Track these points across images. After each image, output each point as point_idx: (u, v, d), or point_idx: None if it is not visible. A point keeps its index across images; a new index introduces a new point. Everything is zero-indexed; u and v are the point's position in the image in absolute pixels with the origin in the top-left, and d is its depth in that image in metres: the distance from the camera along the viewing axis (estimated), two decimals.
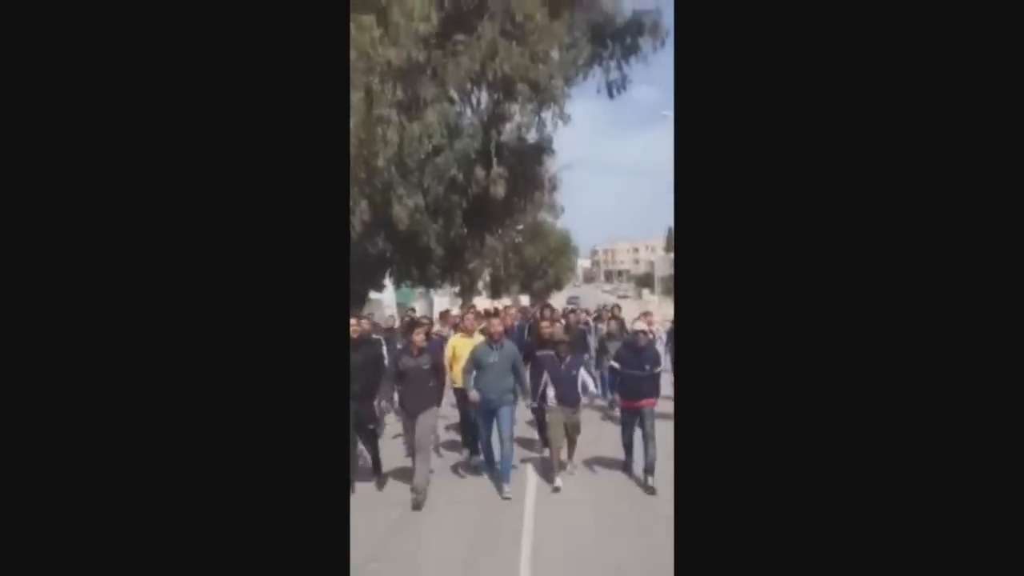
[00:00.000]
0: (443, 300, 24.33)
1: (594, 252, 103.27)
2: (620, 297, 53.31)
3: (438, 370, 5.28)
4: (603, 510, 4.83)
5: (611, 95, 12.85)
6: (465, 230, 10.46)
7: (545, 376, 5.46)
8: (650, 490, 5.15)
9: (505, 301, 26.27)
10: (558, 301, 34.25)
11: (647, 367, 5.43)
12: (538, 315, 8.44)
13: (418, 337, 5.21)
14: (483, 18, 9.21)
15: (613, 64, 12.60)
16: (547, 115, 10.89)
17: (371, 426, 5.37)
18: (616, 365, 5.52)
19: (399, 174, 7.90)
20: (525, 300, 30.90)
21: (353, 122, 7.40)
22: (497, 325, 5.50)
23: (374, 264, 9.97)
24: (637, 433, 5.44)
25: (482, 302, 25.77)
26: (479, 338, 5.67)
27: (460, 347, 5.88)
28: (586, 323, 9.03)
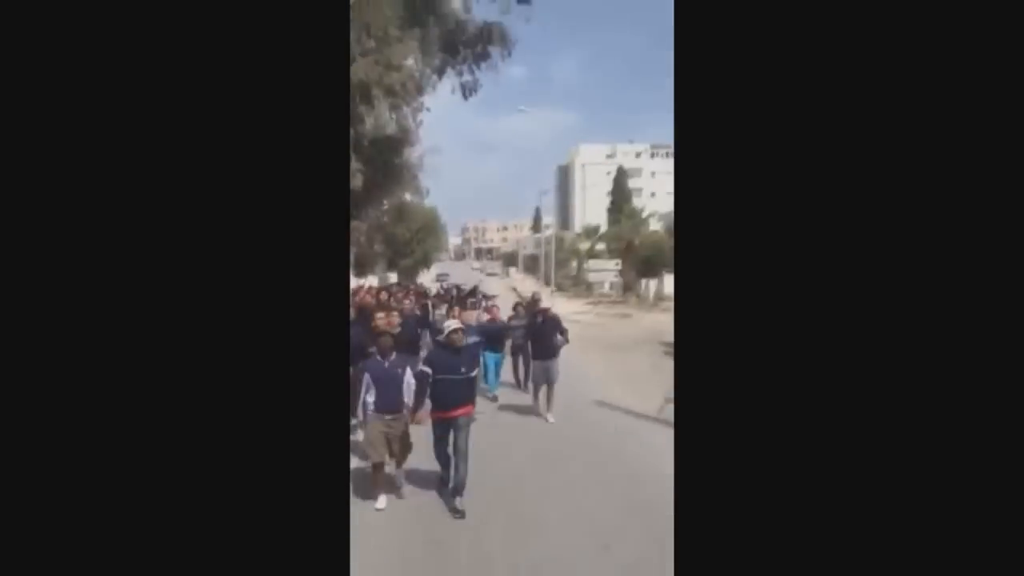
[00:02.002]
0: None
1: (464, 230, 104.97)
2: (488, 275, 55.26)
3: None
4: (412, 536, 4.34)
5: (465, 96, 14.34)
6: None
7: (366, 379, 4.85)
8: (458, 513, 4.68)
9: (372, 279, 27.12)
10: (427, 278, 35.40)
11: (463, 370, 4.87)
12: (369, 299, 8.67)
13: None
14: None
15: (465, 68, 14.07)
16: (406, 110, 12.21)
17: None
18: (427, 370, 4.85)
19: None
20: (393, 277, 31.87)
21: None
22: None
23: None
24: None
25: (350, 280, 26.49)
26: None
27: None
28: (425, 306, 9.51)
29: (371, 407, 4.85)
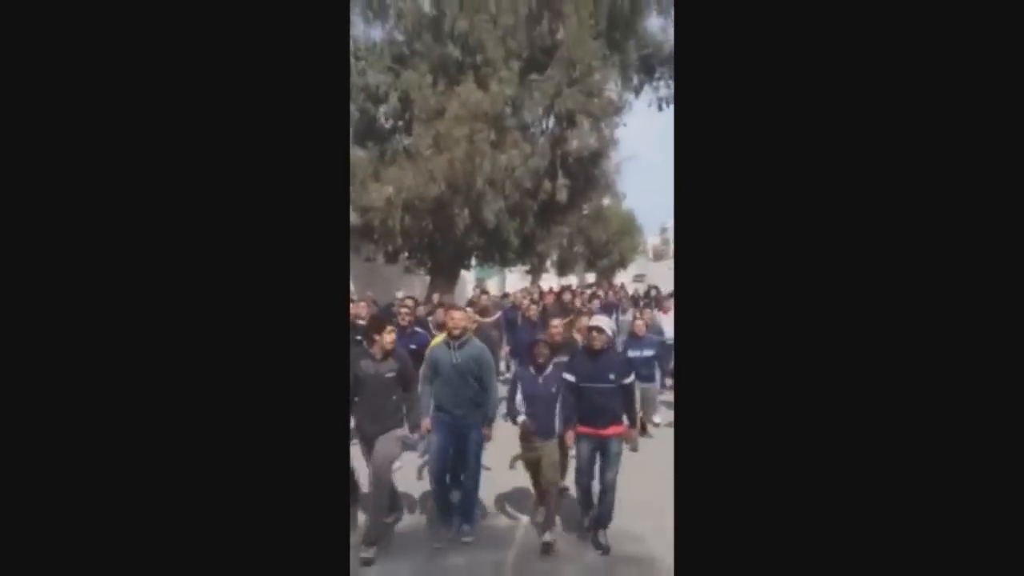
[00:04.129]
0: (514, 278, 27.31)
1: (664, 230, 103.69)
2: None
3: (405, 379, 4.12)
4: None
5: (660, 109, 15.45)
6: (535, 225, 13.52)
7: (518, 394, 4.22)
8: (602, 548, 4.07)
9: (572, 279, 29.07)
10: (624, 278, 36.53)
11: (611, 377, 4.09)
12: (543, 300, 8.14)
13: (388, 337, 4.04)
14: (551, 63, 12.09)
15: (662, 84, 15.17)
16: (606, 129, 13.73)
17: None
18: (571, 378, 4.16)
19: (490, 188, 11.06)
20: (591, 278, 33.61)
21: (459, 154, 10.60)
22: (458, 317, 4.23)
23: (466, 254, 13.30)
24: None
25: (550, 279, 28.70)
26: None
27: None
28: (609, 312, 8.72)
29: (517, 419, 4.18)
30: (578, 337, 5.55)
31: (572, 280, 29.71)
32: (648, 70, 14.48)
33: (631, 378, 4.27)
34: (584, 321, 5.63)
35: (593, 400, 4.12)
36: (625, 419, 4.20)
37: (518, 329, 7.48)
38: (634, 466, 4.66)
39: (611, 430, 4.13)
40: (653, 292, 12.46)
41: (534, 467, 4.32)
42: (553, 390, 4.18)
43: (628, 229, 38.02)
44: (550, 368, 4.25)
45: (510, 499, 4.92)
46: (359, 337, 4.87)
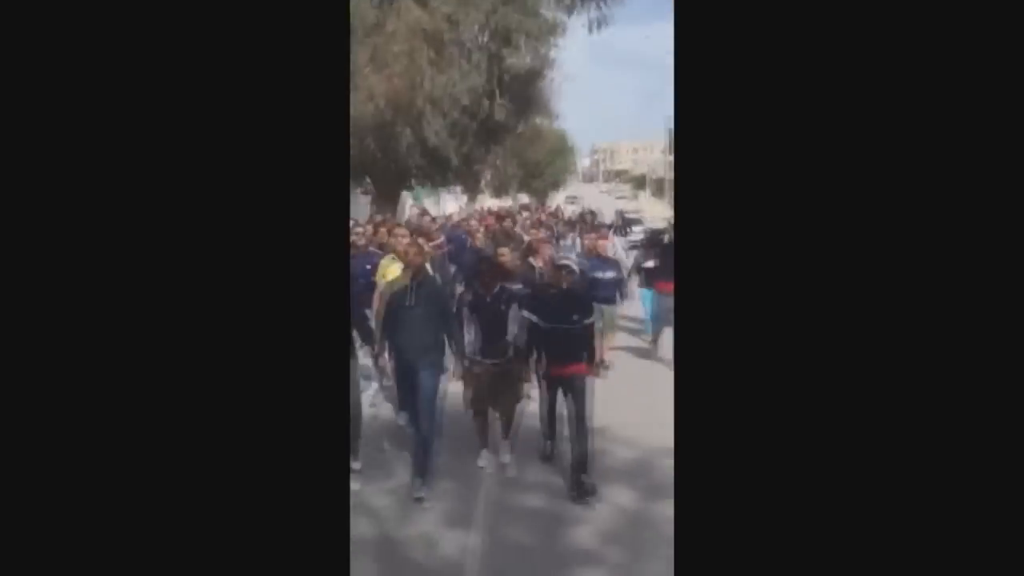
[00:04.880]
0: (449, 199, 27.44)
1: (594, 152, 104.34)
2: (617, 197, 55.83)
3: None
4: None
5: (592, 31, 15.67)
6: (474, 145, 13.84)
7: (463, 316, 4.24)
8: (584, 491, 3.95)
9: (507, 201, 29.51)
10: (558, 199, 37.25)
11: (575, 317, 4.11)
12: (484, 223, 8.07)
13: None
14: None
15: (593, 5, 15.36)
16: (541, 48, 13.93)
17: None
18: (533, 317, 4.14)
19: (430, 107, 11.26)
20: (525, 199, 34.12)
21: (399, 70, 10.66)
22: (414, 251, 4.11)
23: (407, 174, 13.54)
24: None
25: (485, 200, 29.05)
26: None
27: (392, 276, 4.56)
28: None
29: (471, 350, 4.17)
30: (536, 263, 5.70)
31: (507, 201, 30.12)
32: None
33: (592, 318, 4.30)
34: (547, 252, 5.84)
35: (557, 341, 4.12)
36: (586, 357, 4.21)
37: (464, 253, 7.32)
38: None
39: (573, 368, 4.15)
40: (588, 217, 12.48)
41: (488, 394, 4.31)
42: (502, 308, 4.23)
43: (561, 150, 38.43)
44: (497, 287, 4.28)
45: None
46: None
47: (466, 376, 4.30)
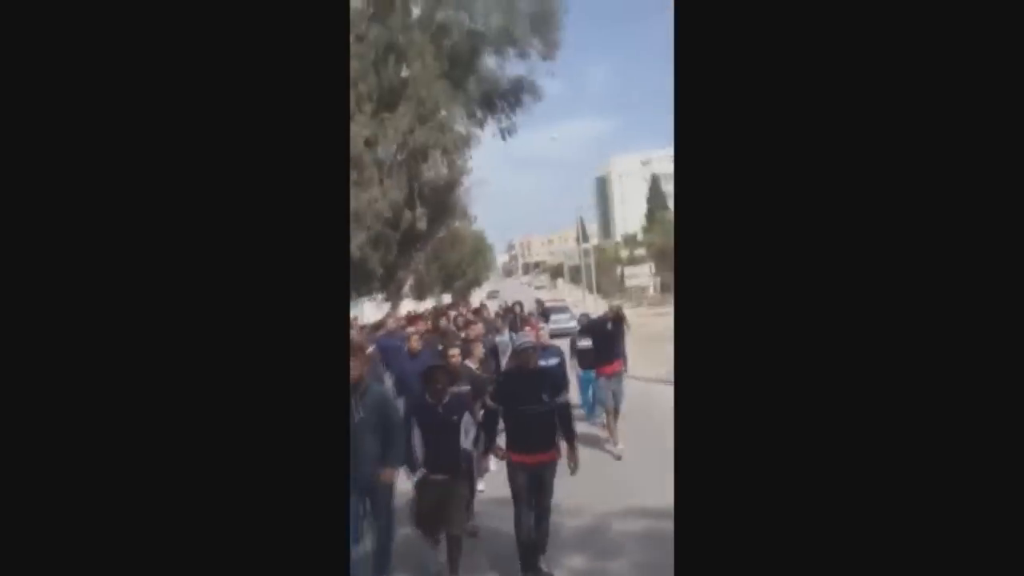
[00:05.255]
0: (371, 307, 27.34)
1: (511, 247, 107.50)
2: (536, 288, 57.21)
3: None
4: None
5: (504, 139, 16.78)
6: (397, 253, 14.16)
7: (413, 428, 3.85)
8: (542, 574, 3.76)
9: (429, 303, 29.67)
10: (479, 296, 37.84)
11: (544, 398, 3.85)
12: (415, 325, 7.36)
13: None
14: (401, 101, 12.85)
15: (503, 116, 16.51)
16: (457, 160, 14.70)
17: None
18: (495, 405, 3.96)
19: (355, 224, 11.56)
20: (447, 298, 34.44)
21: None
22: (356, 362, 3.67)
23: None
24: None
25: (408, 304, 29.08)
26: None
27: None
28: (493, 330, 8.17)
29: (420, 464, 3.83)
30: (471, 364, 5.53)
31: (430, 303, 30.25)
32: (489, 104, 15.69)
33: (565, 395, 4.07)
34: (479, 350, 5.72)
35: (528, 425, 3.82)
36: (562, 442, 3.94)
37: (400, 360, 6.77)
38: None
39: (547, 455, 3.88)
40: (517, 309, 12.63)
41: (437, 512, 3.82)
42: (455, 419, 3.85)
43: (480, 249, 39.49)
44: (447, 396, 3.90)
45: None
46: None
47: (417, 489, 3.93)
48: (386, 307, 27.27)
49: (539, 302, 18.36)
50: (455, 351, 5.12)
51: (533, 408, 3.87)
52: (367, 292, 15.93)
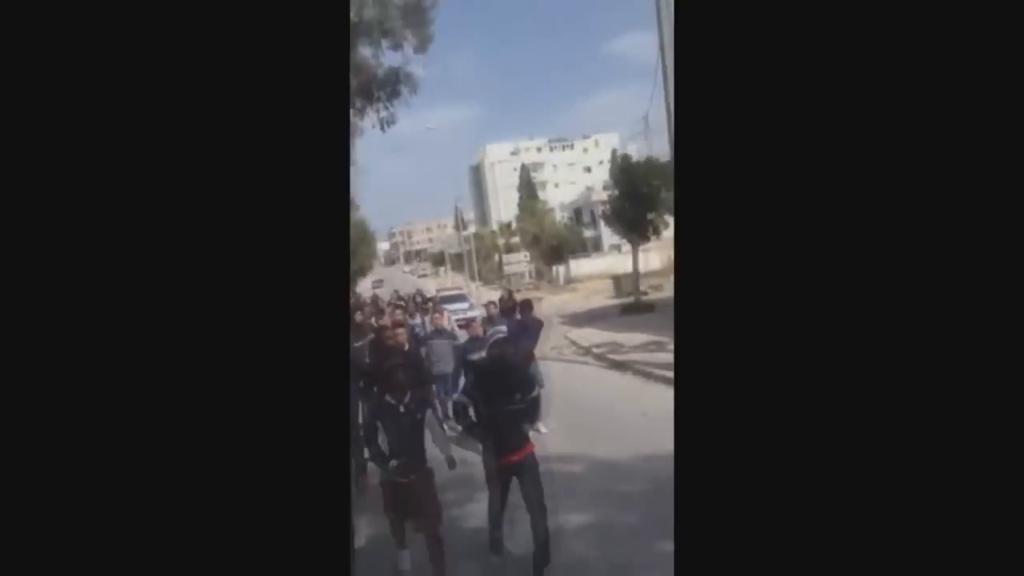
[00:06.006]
0: None
1: (392, 235, 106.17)
2: (420, 276, 57.22)
3: None
4: None
5: (383, 129, 17.39)
6: None
7: (378, 429, 3.71)
8: None
9: None
10: (364, 286, 37.59)
11: (518, 395, 3.72)
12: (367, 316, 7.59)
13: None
14: None
15: (381, 106, 17.09)
16: None
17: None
18: (465, 400, 3.87)
19: None
20: None
21: None
22: None
23: None
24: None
25: None
26: None
27: None
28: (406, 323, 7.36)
29: (387, 464, 3.69)
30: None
31: None
32: (367, 95, 16.27)
33: (536, 391, 3.97)
34: (402, 337, 5.63)
35: (505, 425, 3.69)
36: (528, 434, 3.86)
37: None
38: None
39: (522, 450, 3.77)
40: (419, 298, 12.52)
41: (408, 508, 3.73)
42: (419, 416, 3.74)
43: (364, 238, 39.33)
44: (407, 395, 3.74)
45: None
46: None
47: (384, 486, 3.84)
48: None
49: (437, 291, 18.26)
50: (401, 329, 5.18)
51: (511, 406, 3.72)
52: None
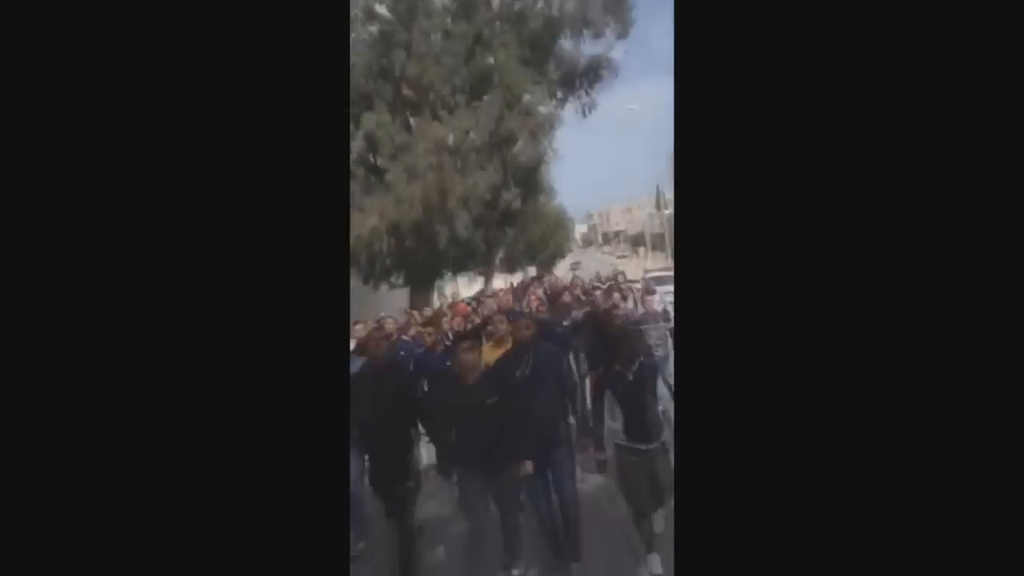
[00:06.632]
0: (463, 281, 29.19)
1: (589, 217, 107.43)
2: (619, 257, 57.42)
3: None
4: None
5: (584, 115, 17.80)
6: (496, 231, 15.68)
7: (607, 399, 3.71)
8: None
9: (517, 277, 31.16)
10: (562, 269, 39.02)
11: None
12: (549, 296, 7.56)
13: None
14: (489, 90, 14.19)
15: (583, 93, 17.51)
16: (543, 140, 15.95)
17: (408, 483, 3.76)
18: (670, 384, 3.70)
19: (461, 207, 13.16)
20: (533, 271, 35.85)
21: (431, 179, 12.55)
22: (523, 326, 3.86)
23: (441, 266, 15.35)
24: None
25: (500, 279, 30.74)
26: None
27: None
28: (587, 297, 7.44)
29: (619, 437, 3.62)
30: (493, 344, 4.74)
31: (518, 276, 31.76)
32: (569, 84, 16.75)
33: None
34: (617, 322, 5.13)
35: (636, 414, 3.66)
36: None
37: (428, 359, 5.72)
38: None
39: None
40: (621, 278, 12.08)
41: (645, 482, 3.65)
42: (647, 382, 3.72)
43: (561, 222, 40.58)
44: (637, 362, 3.72)
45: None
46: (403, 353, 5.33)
47: (621, 468, 3.73)
48: (478, 281, 29.13)
49: (645, 272, 17.30)
50: (466, 344, 4.40)
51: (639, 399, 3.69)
52: (469, 269, 17.58)
